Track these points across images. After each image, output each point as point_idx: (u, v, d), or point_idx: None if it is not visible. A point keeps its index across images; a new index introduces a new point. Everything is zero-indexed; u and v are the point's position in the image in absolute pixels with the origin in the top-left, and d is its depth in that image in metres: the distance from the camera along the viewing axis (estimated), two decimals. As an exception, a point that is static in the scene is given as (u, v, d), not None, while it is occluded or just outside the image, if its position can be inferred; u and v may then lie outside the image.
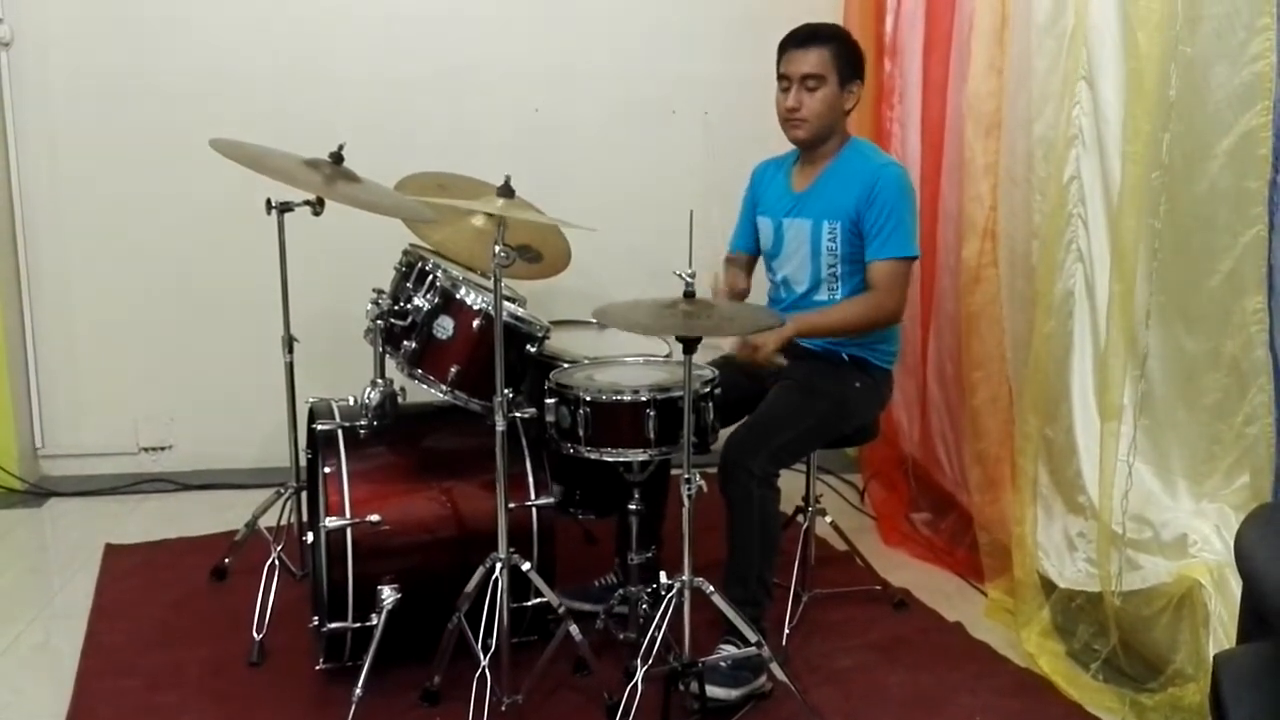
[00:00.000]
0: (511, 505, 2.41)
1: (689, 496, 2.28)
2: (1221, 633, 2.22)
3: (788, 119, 2.80)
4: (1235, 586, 2.17)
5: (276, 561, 2.86)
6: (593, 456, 2.51)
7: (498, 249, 2.25)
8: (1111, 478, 2.48)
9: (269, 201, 2.82)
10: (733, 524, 2.58)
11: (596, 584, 2.97)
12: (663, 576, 2.39)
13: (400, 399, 2.63)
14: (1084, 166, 2.63)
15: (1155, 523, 2.46)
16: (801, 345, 2.83)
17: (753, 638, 2.39)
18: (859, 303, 2.75)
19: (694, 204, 2.44)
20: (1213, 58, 2.23)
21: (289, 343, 2.95)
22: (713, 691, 2.38)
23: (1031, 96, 2.79)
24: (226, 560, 3.15)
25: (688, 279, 2.29)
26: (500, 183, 2.41)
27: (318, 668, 2.57)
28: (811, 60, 2.74)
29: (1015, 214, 2.91)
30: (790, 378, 2.76)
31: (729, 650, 2.49)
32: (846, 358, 2.81)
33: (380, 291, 2.62)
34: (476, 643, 2.35)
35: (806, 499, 3.01)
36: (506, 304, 2.48)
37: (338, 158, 2.56)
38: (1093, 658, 2.58)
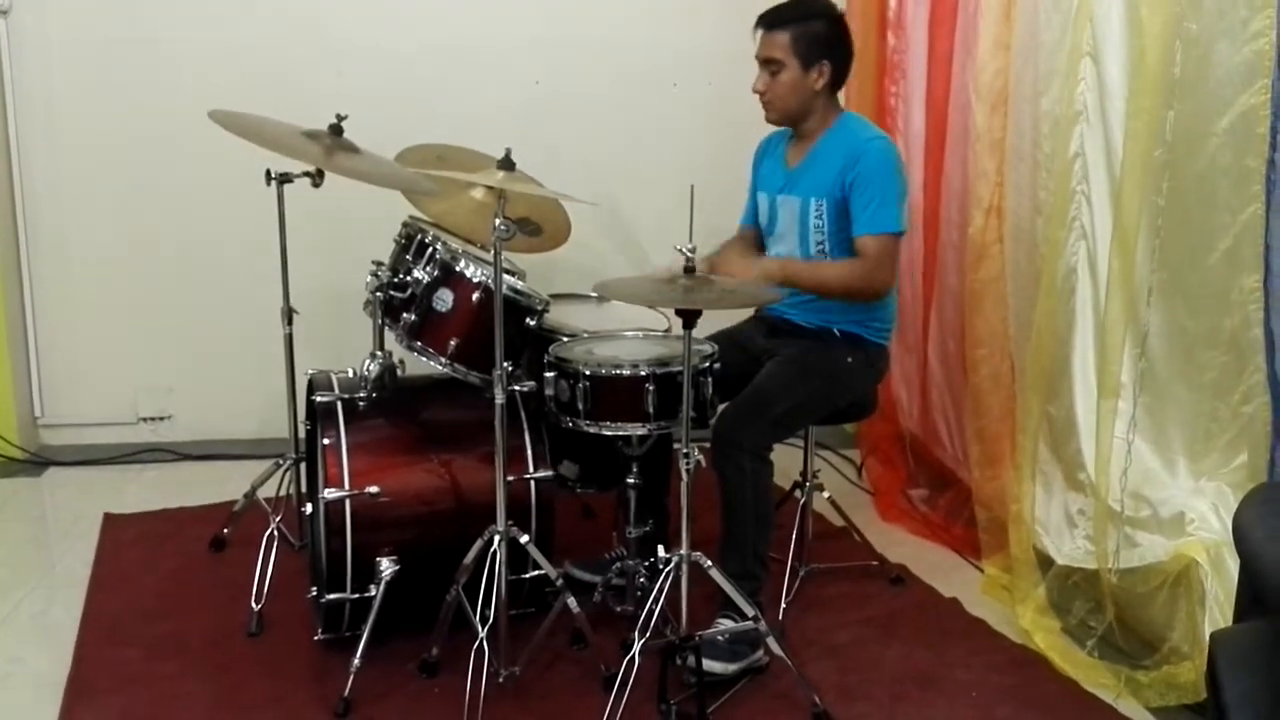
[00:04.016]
0: (510, 478, 2.42)
1: (687, 471, 2.28)
2: (1217, 611, 2.23)
3: (760, 100, 2.79)
4: (1232, 565, 2.18)
5: (275, 532, 2.87)
6: (592, 430, 2.51)
7: (498, 222, 2.24)
8: (1109, 455, 2.48)
9: (269, 172, 2.80)
10: (726, 499, 2.59)
11: (607, 556, 2.97)
12: (660, 550, 2.40)
13: (399, 371, 2.64)
14: (1088, 143, 2.62)
15: (1153, 500, 2.46)
16: (793, 321, 2.84)
17: (750, 612, 2.40)
18: (847, 266, 2.71)
19: (695, 178, 2.43)
20: (1215, 35, 2.21)
21: (288, 314, 2.94)
22: (709, 665, 2.39)
23: (1038, 72, 2.77)
24: (225, 531, 3.16)
25: (688, 253, 2.28)
26: (500, 155, 2.39)
27: (316, 638, 2.58)
28: (769, 45, 2.72)
29: (1021, 190, 2.89)
30: (783, 354, 2.76)
31: (726, 624, 2.51)
32: (839, 333, 2.80)
33: (380, 264, 2.61)
34: (475, 615, 2.36)
35: (804, 474, 3.01)
36: (506, 277, 2.47)
37: (337, 129, 2.54)
38: (1088, 634, 2.60)
